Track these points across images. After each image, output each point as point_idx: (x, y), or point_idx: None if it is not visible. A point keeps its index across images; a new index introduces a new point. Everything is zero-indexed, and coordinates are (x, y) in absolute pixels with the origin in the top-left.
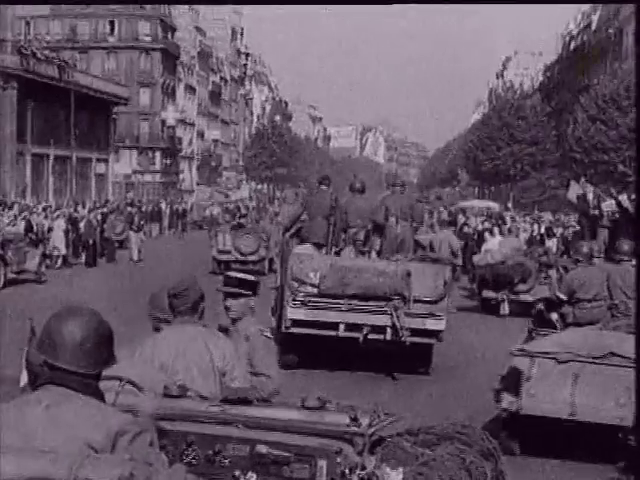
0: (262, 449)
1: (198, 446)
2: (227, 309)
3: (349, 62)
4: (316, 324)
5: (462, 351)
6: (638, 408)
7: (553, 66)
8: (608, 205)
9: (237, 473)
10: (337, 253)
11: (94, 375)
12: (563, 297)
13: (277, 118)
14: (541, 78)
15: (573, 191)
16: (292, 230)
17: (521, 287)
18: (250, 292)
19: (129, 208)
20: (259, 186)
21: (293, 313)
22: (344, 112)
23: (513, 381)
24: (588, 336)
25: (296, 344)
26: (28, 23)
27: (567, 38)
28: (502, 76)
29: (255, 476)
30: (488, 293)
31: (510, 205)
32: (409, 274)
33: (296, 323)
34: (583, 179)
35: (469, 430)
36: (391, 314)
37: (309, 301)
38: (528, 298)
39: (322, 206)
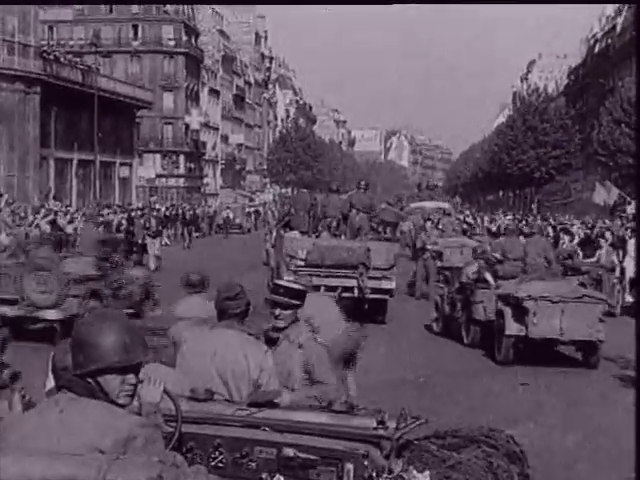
0: (289, 452)
1: (225, 449)
2: (276, 318)
3: (373, 66)
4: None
5: (486, 354)
6: (638, 408)
7: (578, 69)
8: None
9: (264, 476)
10: (317, 236)
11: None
12: (498, 257)
13: (301, 121)
14: (566, 81)
15: (599, 194)
16: (282, 222)
17: None
18: (299, 302)
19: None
20: (283, 190)
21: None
22: (368, 116)
23: (518, 313)
24: (559, 286)
25: None
26: (52, 28)
27: (592, 41)
28: (526, 79)
29: (282, 479)
30: None
31: (534, 206)
32: (369, 249)
33: None
34: (608, 182)
35: (495, 434)
36: (357, 278)
37: (298, 270)
38: None
39: (304, 204)
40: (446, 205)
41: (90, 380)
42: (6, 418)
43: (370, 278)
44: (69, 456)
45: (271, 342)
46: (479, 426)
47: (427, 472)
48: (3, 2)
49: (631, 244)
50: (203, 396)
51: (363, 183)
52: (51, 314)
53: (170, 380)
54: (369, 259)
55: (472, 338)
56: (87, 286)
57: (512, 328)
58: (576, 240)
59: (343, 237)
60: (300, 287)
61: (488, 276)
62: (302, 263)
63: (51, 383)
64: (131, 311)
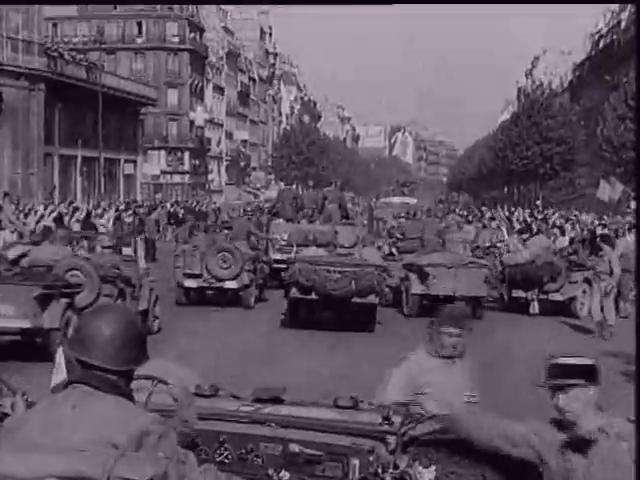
0: (295, 448)
1: (231, 445)
2: (559, 411)
3: (377, 62)
4: (286, 262)
5: (493, 350)
6: (638, 407)
7: (582, 65)
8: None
9: (270, 472)
10: (298, 222)
11: (123, 372)
12: (399, 236)
13: (306, 118)
14: (570, 77)
15: (603, 190)
16: (272, 212)
17: (551, 286)
18: (588, 381)
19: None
20: (288, 186)
21: (274, 255)
22: (373, 112)
23: (421, 277)
24: (452, 256)
25: (279, 275)
26: (55, 25)
27: (596, 37)
28: (531, 75)
29: (288, 475)
30: (518, 292)
31: (539, 203)
32: (336, 232)
33: (276, 262)
34: (613, 178)
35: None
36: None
37: (282, 249)
38: (558, 297)
39: (288, 197)
40: (413, 201)
41: (122, 377)
42: (11, 416)
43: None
44: (76, 452)
45: None
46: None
47: (433, 467)
48: (9, 2)
49: (623, 242)
50: (208, 392)
51: (335, 181)
52: (231, 284)
53: (176, 376)
54: (336, 239)
55: (385, 299)
56: (253, 264)
57: (417, 288)
58: (566, 237)
59: (317, 223)
60: (588, 362)
61: (394, 250)
62: (284, 243)
63: (58, 379)
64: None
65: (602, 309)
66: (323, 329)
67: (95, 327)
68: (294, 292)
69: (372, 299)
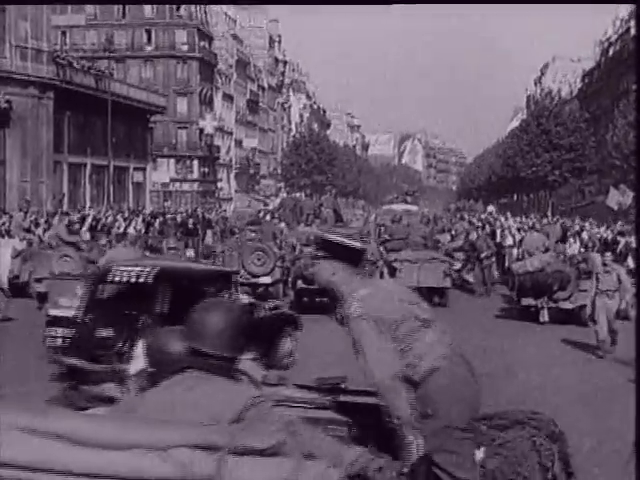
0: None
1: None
2: None
3: (387, 69)
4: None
5: (502, 358)
6: (638, 407)
7: (591, 72)
8: None
9: None
10: (297, 225)
11: (230, 359)
12: (387, 237)
13: (315, 126)
14: (579, 84)
15: (612, 198)
16: (275, 215)
17: (560, 294)
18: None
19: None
20: (297, 194)
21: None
22: (382, 120)
23: (390, 271)
24: (418, 253)
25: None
26: (64, 33)
27: (605, 44)
28: (540, 82)
29: None
30: (528, 301)
31: (549, 213)
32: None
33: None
34: (623, 185)
35: (538, 416)
36: None
37: (282, 245)
38: (567, 305)
39: (289, 205)
40: (414, 208)
41: (229, 362)
42: (124, 399)
43: None
44: (202, 424)
45: None
46: (522, 409)
47: (482, 449)
48: (26, 2)
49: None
50: (275, 381)
51: (333, 191)
52: (265, 279)
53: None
54: None
55: None
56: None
57: None
58: (577, 243)
59: (314, 226)
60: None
61: (381, 249)
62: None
63: (137, 367)
64: None
65: (610, 329)
66: (323, 313)
67: (207, 320)
68: (300, 283)
69: None
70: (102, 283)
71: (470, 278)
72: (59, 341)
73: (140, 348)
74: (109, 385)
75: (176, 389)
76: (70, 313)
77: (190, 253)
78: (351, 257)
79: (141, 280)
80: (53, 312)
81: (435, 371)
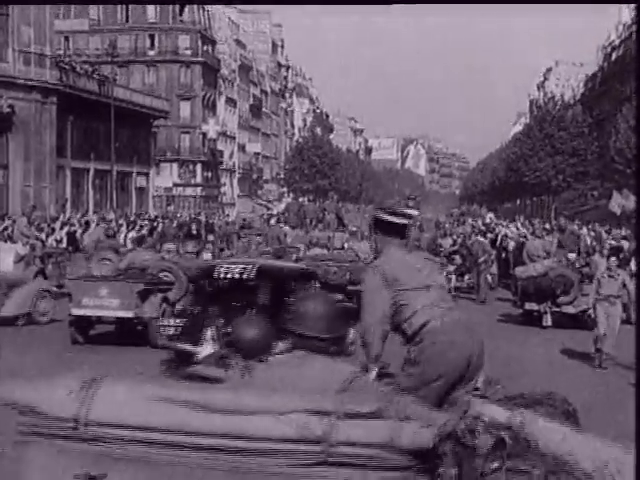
0: None
1: None
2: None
3: (389, 74)
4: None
5: (505, 363)
6: (638, 407)
7: (594, 77)
8: None
9: None
10: (299, 228)
11: (329, 339)
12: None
13: (318, 130)
14: (582, 89)
15: (615, 202)
16: (281, 219)
17: (563, 299)
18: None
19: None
20: (300, 198)
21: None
22: (385, 124)
23: None
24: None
25: None
26: (67, 38)
27: (608, 49)
28: (543, 87)
29: None
30: (531, 305)
31: (551, 215)
32: (329, 237)
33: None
34: (626, 190)
35: (554, 396)
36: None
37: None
38: (570, 310)
39: (293, 209)
40: (415, 212)
41: (328, 342)
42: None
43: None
44: (313, 394)
45: None
46: (540, 391)
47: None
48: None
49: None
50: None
51: (334, 196)
52: None
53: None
54: (331, 242)
55: None
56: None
57: None
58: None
59: (317, 230)
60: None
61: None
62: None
63: (206, 352)
64: None
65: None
66: None
67: (309, 308)
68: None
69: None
70: (207, 279)
71: (463, 284)
72: (172, 330)
73: (209, 335)
74: (214, 368)
75: (286, 366)
76: (93, 313)
77: (208, 256)
78: (398, 231)
79: (244, 276)
80: (76, 312)
81: (427, 326)
